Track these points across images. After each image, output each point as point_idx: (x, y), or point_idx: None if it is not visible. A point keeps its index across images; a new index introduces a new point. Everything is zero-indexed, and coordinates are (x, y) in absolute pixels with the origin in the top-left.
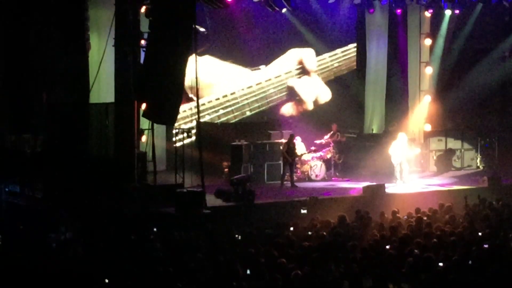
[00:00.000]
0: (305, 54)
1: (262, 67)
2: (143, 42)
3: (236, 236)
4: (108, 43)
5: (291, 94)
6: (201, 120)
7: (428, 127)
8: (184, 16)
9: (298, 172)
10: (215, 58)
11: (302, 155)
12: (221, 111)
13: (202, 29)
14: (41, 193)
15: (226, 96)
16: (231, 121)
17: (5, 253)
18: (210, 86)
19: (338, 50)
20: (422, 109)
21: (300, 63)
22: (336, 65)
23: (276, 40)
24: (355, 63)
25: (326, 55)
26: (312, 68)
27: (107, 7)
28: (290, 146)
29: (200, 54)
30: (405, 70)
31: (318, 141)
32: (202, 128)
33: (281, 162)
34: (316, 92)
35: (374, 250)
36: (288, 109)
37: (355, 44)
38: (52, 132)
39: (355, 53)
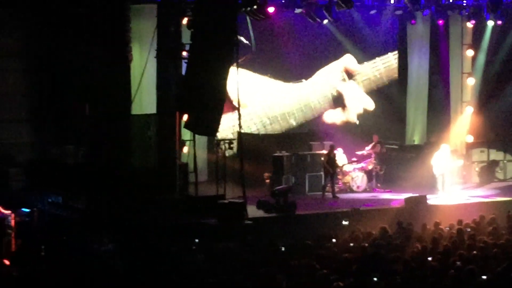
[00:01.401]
0: (347, 60)
1: (303, 80)
2: (184, 53)
3: (280, 247)
4: (150, 54)
5: (338, 100)
6: (247, 130)
7: (470, 138)
8: (226, 27)
9: (340, 183)
10: (255, 72)
11: (343, 166)
12: (267, 121)
13: (245, 41)
14: (83, 204)
15: (271, 106)
16: (277, 132)
17: (48, 263)
18: (253, 95)
19: (378, 59)
20: (464, 120)
21: (345, 70)
22: (377, 74)
23: (317, 52)
24: (394, 72)
25: (366, 64)
26: (356, 69)
27: (149, 18)
28: (331, 157)
29: (240, 66)
30: (447, 81)
31: (359, 152)
32: (243, 139)
33: (322, 173)
34: (362, 99)
35: (416, 262)
36: (331, 117)
37: (394, 53)
38: (95, 143)
39: (394, 62)
